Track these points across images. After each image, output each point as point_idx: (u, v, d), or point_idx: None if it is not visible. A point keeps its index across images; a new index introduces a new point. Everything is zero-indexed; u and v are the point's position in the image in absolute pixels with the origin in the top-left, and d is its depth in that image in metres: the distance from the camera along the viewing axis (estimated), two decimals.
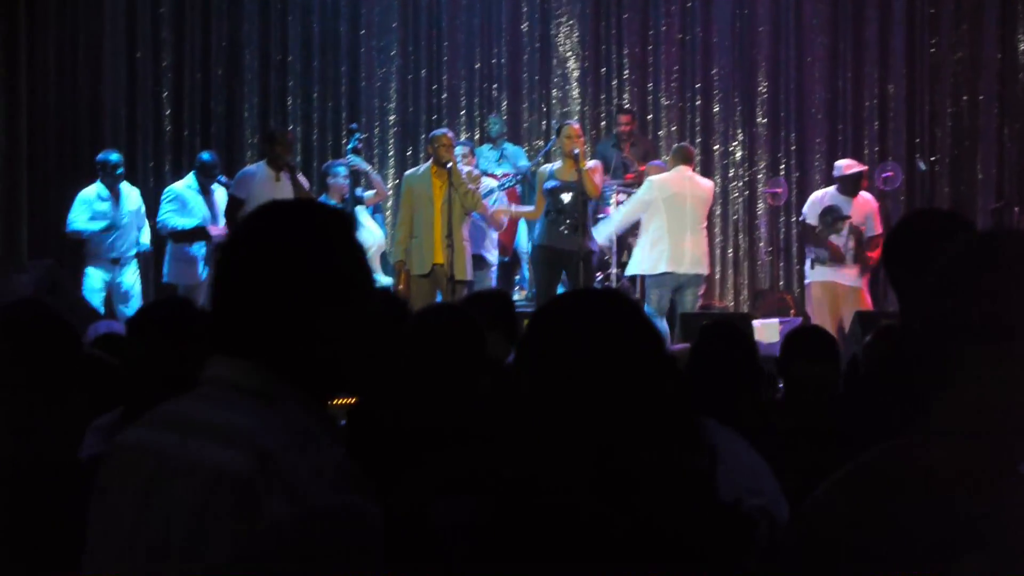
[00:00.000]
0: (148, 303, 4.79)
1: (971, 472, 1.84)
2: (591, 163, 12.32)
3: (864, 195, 12.87)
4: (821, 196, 12.95)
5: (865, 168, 13.27)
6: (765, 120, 16.44)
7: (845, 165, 12.97)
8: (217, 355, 2.21)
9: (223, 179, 12.76)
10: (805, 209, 13.04)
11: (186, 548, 2.03)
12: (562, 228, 11.97)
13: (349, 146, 12.85)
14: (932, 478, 1.84)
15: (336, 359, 2.20)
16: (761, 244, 16.37)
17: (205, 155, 13.08)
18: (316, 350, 2.17)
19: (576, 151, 11.91)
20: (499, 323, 5.41)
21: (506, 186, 13.34)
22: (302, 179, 11.94)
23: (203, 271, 12.56)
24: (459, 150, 12.69)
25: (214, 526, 2.01)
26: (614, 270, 13.87)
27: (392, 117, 16.24)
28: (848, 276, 12.45)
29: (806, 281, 12.86)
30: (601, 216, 13.65)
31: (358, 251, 2.25)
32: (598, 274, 13.25)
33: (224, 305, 2.20)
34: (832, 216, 12.53)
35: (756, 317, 13.04)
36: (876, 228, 12.71)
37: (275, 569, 1.99)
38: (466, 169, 12.08)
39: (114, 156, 12.53)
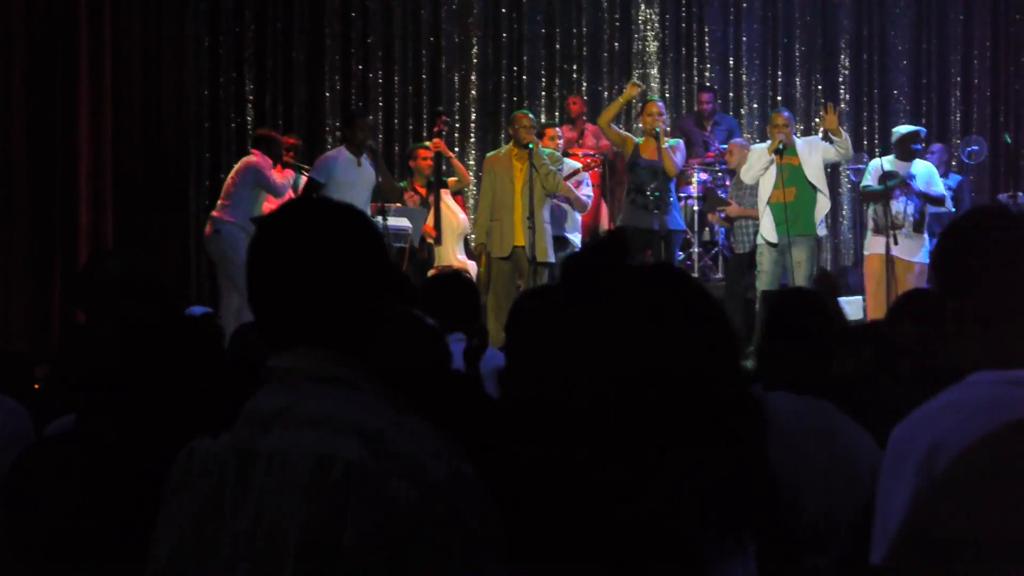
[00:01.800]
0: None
1: None
2: (671, 142, 12.23)
3: (922, 161, 12.55)
4: (879, 162, 12.67)
5: (918, 129, 12.91)
6: (848, 96, 16.32)
7: (901, 129, 12.73)
8: (282, 349, 2.22)
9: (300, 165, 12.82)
10: (865, 176, 12.79)
11: (306, 542, 2.03)
12: (642, 206, 11.93)
13: (435, 128, 12.89)
14: None
15: (393, 344, 2.26)
16: (843, 221, 16.25)
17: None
18: (378, 336, 2.22)
19: (658, 129, 11.87)
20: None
21: (592, 168, 13.29)
22: (382, 163, 12.01)
23: None
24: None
25: (335, 516, 2.01)
26: (696, 248, 13.83)
27: (472, 99, 16.27)
28: (911, 248, 12.05)
29: (865, 253, 12.42)
30: (683, 195, 13.59)
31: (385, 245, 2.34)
32: (679, 253, 13.20)
33: (284, 298, 2.22)
34: (891, 179, 12.29)
35: (840, 294, 12.94)
36: (939, 189, 12.36)
37: (406, 548, 2.01)
38: (547, 151, 12.04)
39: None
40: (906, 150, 12.31)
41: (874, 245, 12.12)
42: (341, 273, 2.21)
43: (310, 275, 2.19)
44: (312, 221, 2.26)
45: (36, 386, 5.73)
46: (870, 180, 12.30)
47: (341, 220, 2.27)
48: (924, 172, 12.28)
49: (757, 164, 11.97)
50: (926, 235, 12.06)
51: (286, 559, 2.04)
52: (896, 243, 11.86)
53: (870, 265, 12.10)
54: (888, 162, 12.33)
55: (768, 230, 11.89)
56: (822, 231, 12.19)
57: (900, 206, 12.13)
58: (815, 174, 11.88)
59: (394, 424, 2.11)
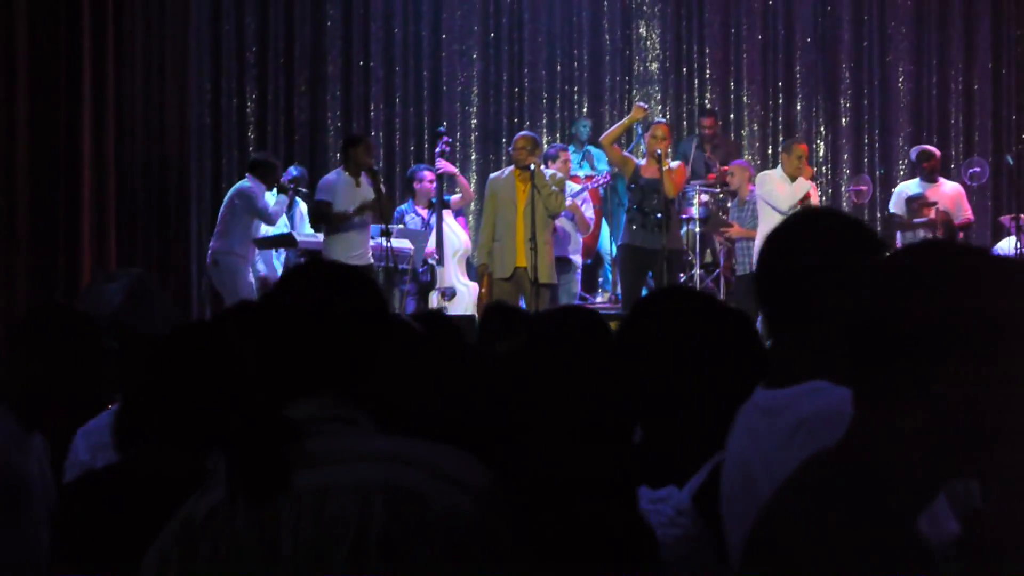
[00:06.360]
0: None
1: None
2: (674, 163, 12.24)
3: (946, 181, 12.91)
4: (904, 187, 12.97)
5: (931, 149, 13.24)
6: (848, 118, 16.33)
7: (916, 151, 13.14)
8: (295, 397, 2.26)
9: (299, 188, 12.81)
10: (891, 202, 13.06)
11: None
12: (645, 226, 11.92)
13: (437, 150, 12.91)
14: None
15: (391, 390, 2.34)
16: None
17: (293, 169, 13.17)
18: (378, 382, 2.31)
19: (659, 151, 11.85)
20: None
21: (589, 187, 13.30)
22: (382, 183, 12.00)
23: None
24: (553, 151, 12.81)
25: (407, 539, 2.04)
26: (697, 271, 13.81)
27: (474, 121, 16.28)
28: None
29: None
30: (684, 216, 13.56)
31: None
32: (680, 275, 13.16)
33: (298, 348, 2.29)
34: (918, 203, 12.49)
35: None
36: (965, 213, 12.69)
37: (473, 559, 2.06)
38: (550, 172, 12.03)
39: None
40: (926, 173, 12.65)
41: None
42: (342, 328, 2.29)
43: (315, 331, 2.28)
44: (318, 285, 2.36)
45: None
46: (897, 207, 12.57)
47: (344, 283, 2.36)
48: (950, 195, 12.55)
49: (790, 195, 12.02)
50: None
51: None
52: None
53: None
54: (914, 185, 12.62)
55: None
56: None
57: (929, 233, 12.33)
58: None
59: (422, 450, 2.16)
